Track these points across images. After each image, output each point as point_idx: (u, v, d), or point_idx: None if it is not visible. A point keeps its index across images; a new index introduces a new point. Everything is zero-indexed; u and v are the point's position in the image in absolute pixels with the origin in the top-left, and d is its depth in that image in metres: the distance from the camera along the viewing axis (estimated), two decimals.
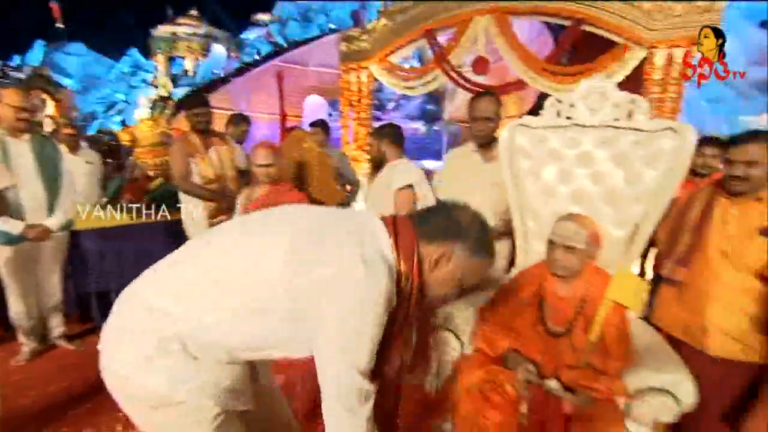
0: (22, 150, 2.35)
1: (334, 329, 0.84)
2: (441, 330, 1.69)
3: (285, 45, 11.84)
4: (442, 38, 4.20)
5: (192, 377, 0.90)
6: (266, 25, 16.31)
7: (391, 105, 9.99)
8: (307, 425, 1.79)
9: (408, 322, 0.99)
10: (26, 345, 2.59)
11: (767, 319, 1.41)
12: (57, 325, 2.73)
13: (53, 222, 2.44)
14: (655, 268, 1.82)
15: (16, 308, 2.52)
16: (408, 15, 4.38)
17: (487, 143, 2.10)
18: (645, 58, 3.56)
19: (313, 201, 2.80)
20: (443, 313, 1.72)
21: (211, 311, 0.89)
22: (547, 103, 1.93)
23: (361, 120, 4.98)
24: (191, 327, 0.90)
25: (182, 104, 2.99)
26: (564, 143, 1.89)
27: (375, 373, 0.92)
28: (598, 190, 1.82)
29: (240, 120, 3.26)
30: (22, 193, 2.34)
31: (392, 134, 2.33)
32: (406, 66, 6.60)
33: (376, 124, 8.63)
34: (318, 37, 11.29)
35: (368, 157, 5.40)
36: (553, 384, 1.45)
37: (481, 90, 4.01)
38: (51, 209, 2.44)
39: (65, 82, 15.85)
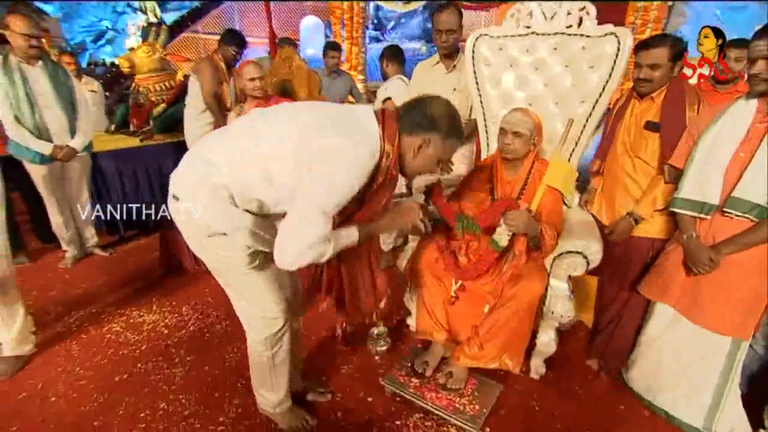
0: (37, 76, 2.58)
1: (320, 181, 1.15)
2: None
3: None
4: None
5: (232, 218, 1.26)
6: None
7: (390, 24, 9.62)
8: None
9: (384, 187, 1.31)
10: (69, 252, 3.04)
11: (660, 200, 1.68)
12: (91, 236, 3.16)
13: (77, 142, 2.76)
14: None
15: (56, 220, 2.93)
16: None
17: (449, 54, 2.30)
18: None
19: None
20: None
21: (245, 172, 1.22)
22: (508, 13, 2.11)
23: (354, 40, 5.00)
24: (233, 181, 1.22)
25: (222, 38, 3.16)
26: (521, 51, 2.09)
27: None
28: (550, 93, 2.06)
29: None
30: (46, 116, 2.63)
31: (392, 55, 2.57)
32: None
33: (378, 45, 8.42)
34: None
35: (361, 77, 5.50)
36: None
37: (467, 6, 4.04)
38: (72, 132, 2.75)
39: (47, 9, 15.15)
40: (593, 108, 1.95)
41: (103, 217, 3.38)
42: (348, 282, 1.51)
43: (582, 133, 2.00)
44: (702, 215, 1.49)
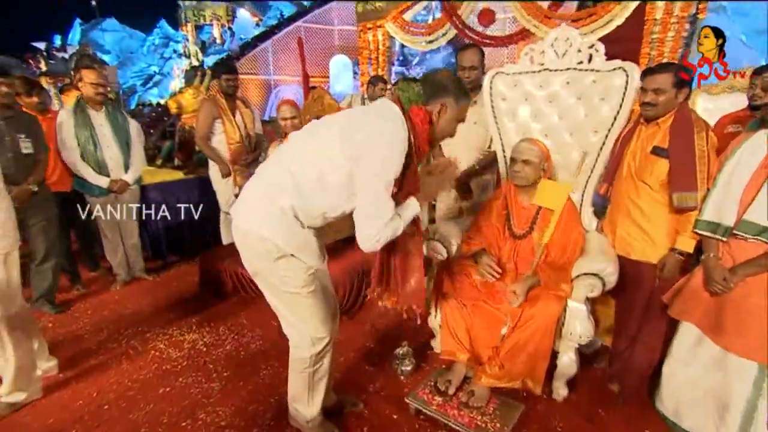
0: (101, 120, 2.95)
1: (372, 163, 1.30)
2: (430, 240, 2.16)
3: (308, 6, 11.94)
4: None
5: (300, 239, 1.41)
6: None
7: (416, 60, 10.05)
8: None
9: (418, 158, 1.44)
10: (119, 276, 3.31)
11: (664, 225, 1.74)
12: (138, 261, 3.43)
13: (129, 177, 3.07)
14: None
15: (108, 247, 3.22)
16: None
17: (471, 89, 2.47)
18: None
19: None
20: (433, 229, 2.19)
21: (304, 185, 1.37)
22: (522, 52, 2.27)
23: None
24: (297, 197, 1.36)
25: (213, 70, 3.41)
26: (536, 86, 2.24)
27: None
28: (564, 124, 2.18)
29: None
30: (105, 154, 2.96)
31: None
32: (427, 20, 6.75)
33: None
34: None
35: None
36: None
37: (487, 42, 4.27)
38: (126, 167, 3.07)
39: (105, 58, 16.75)
40: (606, 137, 2.05)
41: (149, 244, 3.70)
42: (400, 264, 1.60)
43: (596, 161, 2.09)
44: (719, 237, 1.55)
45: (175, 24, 20.93)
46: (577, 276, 1.82)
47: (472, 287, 1.95)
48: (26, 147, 2.58)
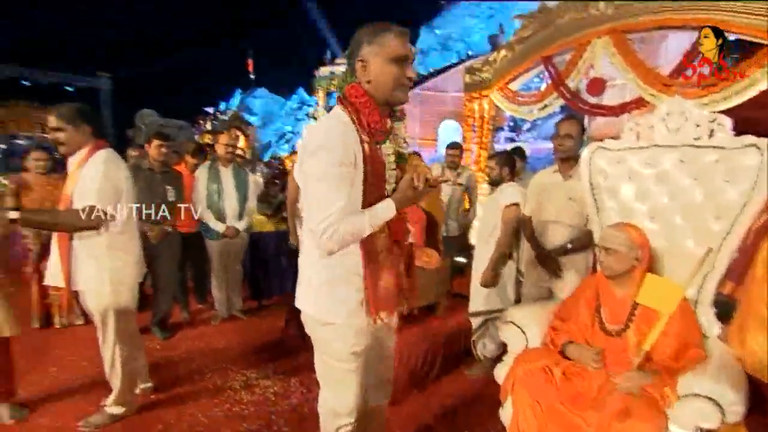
0: (227, 175, 3.45)
1: (312, 161, 1.22)
2: (507, 323, 1.98)
3: (426, 74, 12.81)
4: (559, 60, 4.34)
5: (346, 301, 1.33)
6: None
7: (526, 126, 9.92)
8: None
9: (373, 136, 1.27)
10: (219, 312, 3.67)
11: None
12: (237, 300, 3.78)
13: (241, 225, 3.49)
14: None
15: (215, 284, 3.62)
16: (527, 44, 4.63)
17: (567, 160, 2.33)
18: None
19: (425, 212, 3.28)
20: (512, 311, 2.01)
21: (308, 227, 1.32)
22: (626, 126, 2.08)
23: (482, 144, 5.34)
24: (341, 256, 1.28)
25: None
26: (642, 163, 2.01)
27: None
28: (676, 206, 1.89)
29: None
30: (225, 204, 3.42)
31: (510, 161, 2.73)
32: (531, 90, 6.71)
33: (510, 146, 8.70)
34: (456, 64, 12.00)
35: (487, 178, 5.69)
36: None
37: (597, 111, 4.04)
38: (240, 216, 3.49)
39: (251, 119, 19.91)
40: (732, 226, 1.72)
41: (249, 286, 4.06)
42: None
43: (719, 254, 1.74)
44: None
45: (310, 90, 24.14)
46: (685, 395, 1.47)
47: (551, 385, 1.70)
48: (171, 196, 3.14)
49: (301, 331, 3.07)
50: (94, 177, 1.93)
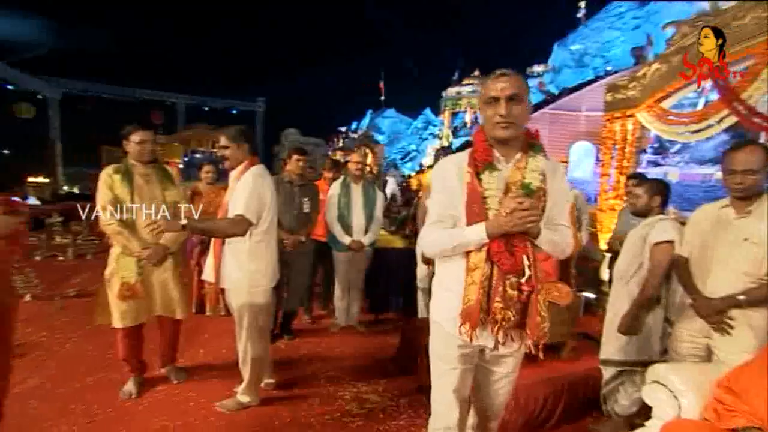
0: (357, 191, 3.67)
1: None
2: (655, 384, 1.67)
3: (557, 93, 12.06)
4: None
5: (446, 305, 1.48)
6: (540, 75, 16.86)
7: (675, 148, 8.51)
8: None
9: None
10: (338, 320, 3.87)
11: None
12: (356, 311, 3.94)
13: (366, 239, 3.66)
14: None
15: (338, 294, 3.83)
16: (691, 53, 3.99)
17: (743, 197, 1.89)
18: None
19: None
20: (658, 368, 1.70)
21: None
22: None
23: (623, 169, 4.72)
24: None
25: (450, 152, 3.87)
26: None
27: None
28: None
29: None
30: (353, 219, 3.63)
31: (663, 190, 2.38)
32: (696, 104, 5.79)
33: (655, 170, 7.55)
34: (592, 81, 11.04)
35: (630, 207, 4.98)
36: None
37: None
38: (366, 231, 3.66)
39: (379, 137, 21.11)
40: None
41: (367, 298, 4.22)
42: None
43: None
44: None
45: (437, 111, 24.62)
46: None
47: None
48: (306, 207, 3.46)
49: (410, 359, 3.10)
50: (245, 190, 2.21)
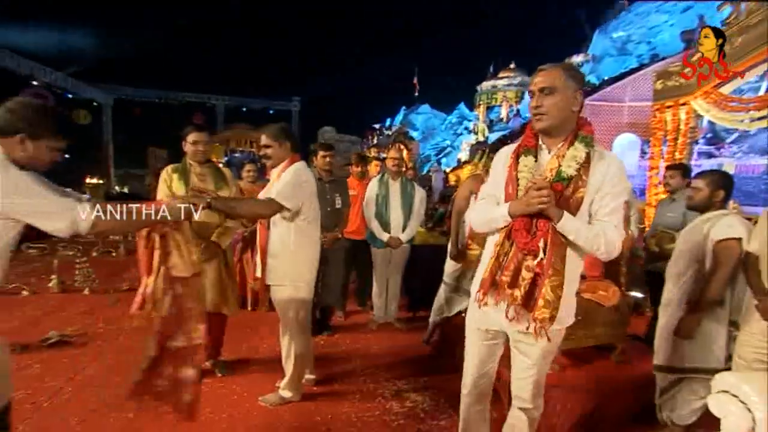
0: (395, 188, 3.67)
1: None
2: (724, 393, 1.55)
3: (597, 84, 11.54)
4: None
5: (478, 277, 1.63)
6: (580, 66, 16.22)
7: (731, 137, 7.90)
8: None
9: None
10: (376, 317, 3.88)
11: None
12: (394, 309, 3.93)
13: (404, 236, 3.64)
14: None
15: (376, 290, 3.84)
16: (754, 33, 3.66)
17: None
18: None
19: None
20: (727, 377, 1.57)
21: None
22: None
23: (675, 161, 4.43)
24: None
25: (491, 148, 3.76)
26: None
27: None
28: None
29: None
30: (390, 216, 3.62)
31: (726, 183, 2.21)
32: (758, 89, 5.38)
33: (709, 162, 7.06)
34: (636, 70, 10.50)
35: (689, 202, 4.63)
36: None
37: None
38: (404, 228, 3.64)
39: (413, 134, 20.99)
40: None
41: (405, 295, 4.19)
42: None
43: None
44: None
45: (471, 106, 24.21)
46: None
47: None
48: (338, 203, 3.47)
49: (454, 351, 3.05)
50: (282, 180, 2.25)
